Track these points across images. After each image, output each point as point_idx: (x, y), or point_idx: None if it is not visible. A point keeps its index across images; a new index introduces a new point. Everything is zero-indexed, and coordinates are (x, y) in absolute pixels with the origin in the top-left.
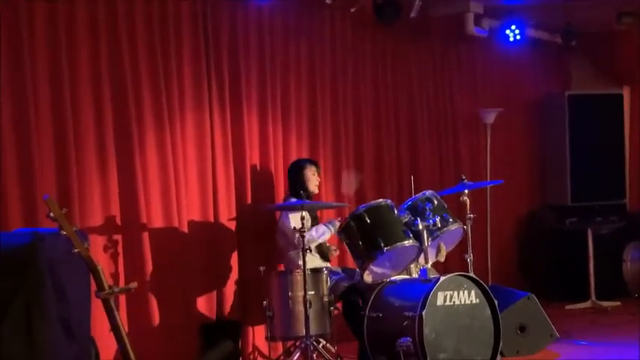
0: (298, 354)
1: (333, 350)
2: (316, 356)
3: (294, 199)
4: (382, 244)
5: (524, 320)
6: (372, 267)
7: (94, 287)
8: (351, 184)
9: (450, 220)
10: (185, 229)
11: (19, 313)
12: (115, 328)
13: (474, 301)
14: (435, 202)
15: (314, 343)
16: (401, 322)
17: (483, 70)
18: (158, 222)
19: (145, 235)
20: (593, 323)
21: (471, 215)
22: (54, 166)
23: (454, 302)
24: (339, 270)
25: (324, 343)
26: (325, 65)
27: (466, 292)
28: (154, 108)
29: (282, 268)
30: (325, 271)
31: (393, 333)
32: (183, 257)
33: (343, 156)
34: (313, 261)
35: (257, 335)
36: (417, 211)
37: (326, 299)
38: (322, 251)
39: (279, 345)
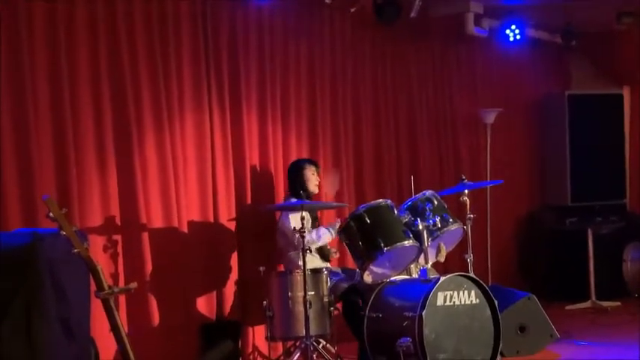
0: (298, 354)
1: (333, 350)
2: (316, 356)
3: (294, 200)
4: (382, 245)
5: (524, 320)
6: (372, 267)
7: (93, 287)
8: (333, 184)
9: (450, 220)
10: (185, 230)
11: (19, 313)
12: (114, 328)
13: (474, 302)
14: (435, 203)
15: (314, 343)
16: (401, 323)
17: (483, 70)
18: (158, 222)
19: (145, 236)
20: (593, 323)
21: (471, 215)
22: (53, 166)
23: (454, 302)
24: (339, 270)
25: (324, 343)
26: (325, 65)
27: (466, 292)
28: (153, 108)
29: (282, 268)
30: (325, 272)
31: (393, 333)
32: (183, 257)
33: (343, 156)
34: (313, 261)
35: (257, 335)
36: (417, 211)
37: (326, 299)
38: (323, 252)
39: (279, 345)
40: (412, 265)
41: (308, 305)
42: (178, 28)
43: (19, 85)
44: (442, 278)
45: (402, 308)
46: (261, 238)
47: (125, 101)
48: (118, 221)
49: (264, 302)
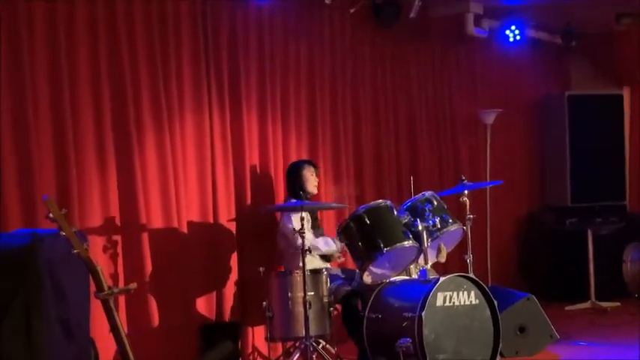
0: (298, 355)
1: (332, 351)
2: (316, 357)
3: (294, 201)
4: (382, 245)
5: (523, 321)
6: (371, 268)
7: (93, 288)
8: (341, 194)
9: (450, 220)
10: (184, 230)
11: (19, 313)
12: (114, 328)
13: (473, 302)
14: (435, 203)
15: (314, 343)
16: (400, 323)
17: (483, 71)
18: (157, 223)
19: (145, 236)
20: (592, 324)
21: (471, 216)
22: (53, 166)
23: (454, 303)
24: (338, 271)
25: (324, 343)
26: (325, 65)
27: (466, 292)
28: (153, 108)
29: (281, 269)
30: (325, 272)
31: (393, 334)
32: (182, 258)
33: (343, 156)
34: (313, 262)
35: (257, 336)
36: (416, 211)
37: (326, 300)
38: (325, 255)
39: (279, 346)
40: (412, 266)
41: (308, 306)
42: (178, 28)
43: (19, 85)
44: (442, 279)
45: (401, 309)
46: (260, 238)
47: (125, 101)
48: (117, 222)
49: (264, 303)
